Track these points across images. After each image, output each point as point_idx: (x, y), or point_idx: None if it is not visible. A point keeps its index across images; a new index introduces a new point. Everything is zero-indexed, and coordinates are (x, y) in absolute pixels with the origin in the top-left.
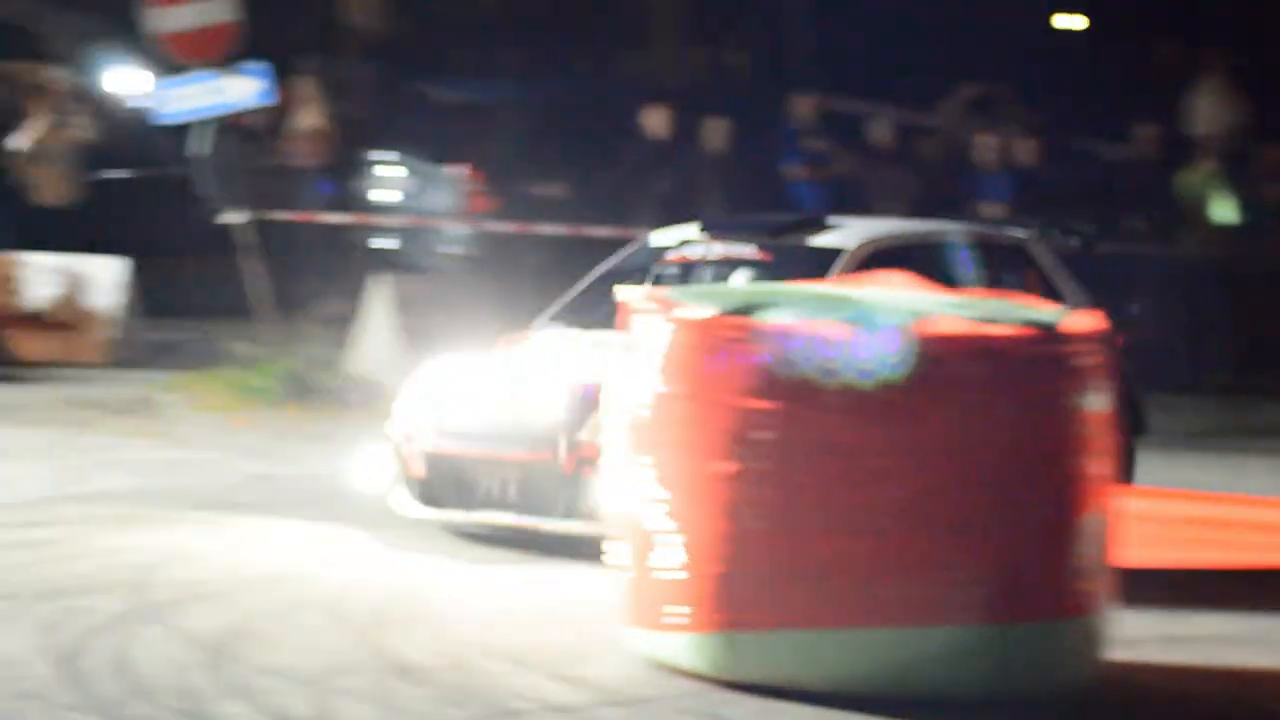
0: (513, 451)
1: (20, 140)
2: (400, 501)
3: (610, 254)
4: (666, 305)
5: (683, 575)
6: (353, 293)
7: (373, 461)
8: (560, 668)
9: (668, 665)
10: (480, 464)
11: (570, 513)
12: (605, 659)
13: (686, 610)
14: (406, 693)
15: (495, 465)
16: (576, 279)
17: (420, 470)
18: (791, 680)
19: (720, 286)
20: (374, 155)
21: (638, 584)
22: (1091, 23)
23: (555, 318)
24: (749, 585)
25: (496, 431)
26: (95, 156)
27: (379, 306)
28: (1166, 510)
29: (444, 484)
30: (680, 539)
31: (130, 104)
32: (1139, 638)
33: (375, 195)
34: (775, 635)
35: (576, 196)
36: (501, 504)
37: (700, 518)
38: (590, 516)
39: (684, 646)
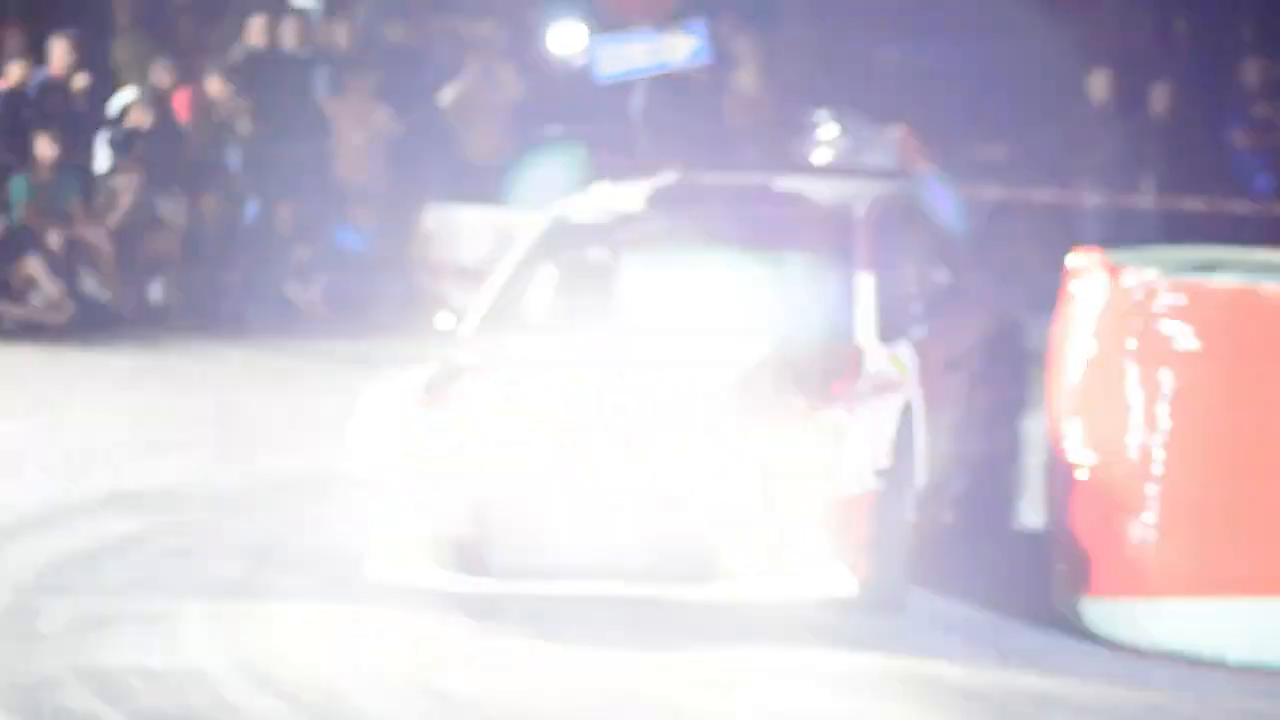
0: (618, 502)
1: (451, 94)
2: (416, 569)
3: (1049, 219)
4: (1109, 268)
5: (1108, 540)
6: None
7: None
8: (979, 635)
9: (1088, 632)
10: (565, 519)
11: (710, 574)
12: (1024, 626)
13: (1110, 576)
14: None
15: (589, 520)
16: (1016, 242)
17: (461, 526)
18: (1209, 649)
19: (1166, 249)
20: (814, 116)
21: (1059, 550)
22: None
23: (491, 318)
24: (1174, 552)
25: (585, 474)
26: (530, 111)
27: None
28: None
29: (498, 544)
30: (1107, 503)
31: (570, 61)
32: None
33: (815, 156)
34: (1196, 603)
35: (1017, 159)
36: (599, 568)
37: (1129, 482)
38: (739, 578)
39: (1105, 613)
